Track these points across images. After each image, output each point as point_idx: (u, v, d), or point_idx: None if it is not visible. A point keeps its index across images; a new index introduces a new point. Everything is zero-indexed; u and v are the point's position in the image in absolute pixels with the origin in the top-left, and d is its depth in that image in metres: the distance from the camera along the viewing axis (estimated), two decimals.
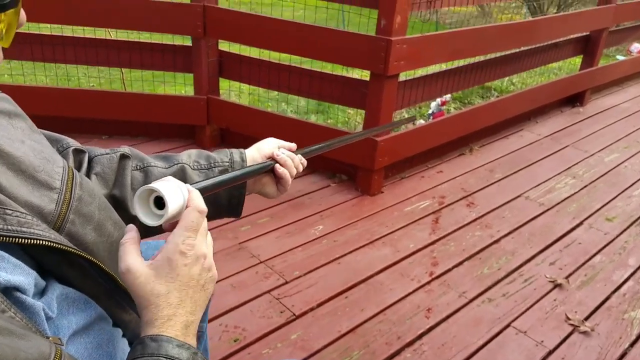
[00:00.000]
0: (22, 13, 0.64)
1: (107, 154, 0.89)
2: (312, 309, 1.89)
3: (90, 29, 2.97)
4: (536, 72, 5.47)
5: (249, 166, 0.93)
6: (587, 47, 4.02)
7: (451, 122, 3.08)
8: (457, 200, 2.71)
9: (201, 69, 2.77)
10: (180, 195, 0.66)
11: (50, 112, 2.80)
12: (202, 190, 0.71)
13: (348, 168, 2.75)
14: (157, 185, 0.65)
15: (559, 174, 3.07)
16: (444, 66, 3.04)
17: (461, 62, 3.06)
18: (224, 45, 2.87)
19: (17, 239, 0.55)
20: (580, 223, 2.57)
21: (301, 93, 2.76)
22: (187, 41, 2.84)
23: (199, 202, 0.67)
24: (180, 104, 2.91)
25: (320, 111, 4.00)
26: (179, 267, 0.62)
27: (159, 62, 2.85)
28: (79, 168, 0.86)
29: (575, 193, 2.86)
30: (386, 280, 2.08)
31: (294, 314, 1.85)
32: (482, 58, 3.20)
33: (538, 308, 1.97)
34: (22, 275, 0.55)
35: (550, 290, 2.07)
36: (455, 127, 3.08)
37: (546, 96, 3.78)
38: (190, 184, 0.71)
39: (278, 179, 0.96)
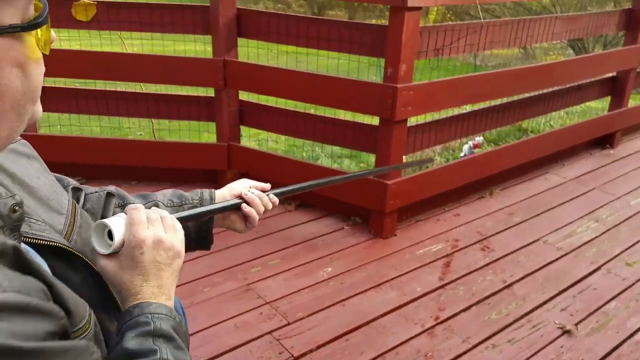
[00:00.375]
0: (52, 31, 0.77)
1: (96, 192, 1.03)
2: (311, 351, 1.92)
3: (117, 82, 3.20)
4: (577, 112, 5.36)
5: (216, 203, 1.03)
6: (615, 88, 3.96)
7: (468, 164, 3.09)
8: (472, 244, 2.69)
9: (223, 117, 2.94)
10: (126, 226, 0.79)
11: (86, 160, 3.02)
12: None
13: (362, 211, 2.80)
14: (106, 220, 0.79)
15: (581, 217, 3.00)
16: (476, 107, 3.06)
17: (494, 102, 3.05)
18: (245, 95, 3.03)
19: (39, 241, 0.70)
20: (598, 268, 2.49)
21: (316, 138, 2.87)
22: (210, 92, 3.03)
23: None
24: (203, 150, 3.08)
25: (354, 155, 4.06)
26: (136, 258, 0.76)
27: (185, 112, 3.04)
28: (77, 203, 1.00)
29: (596, 237, 2.78)
30: (389, 323, 2.08)
31: (292, 355, 1.88)
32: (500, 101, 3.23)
33: (543, 355, 1.92)
34: (45, 266, 0.69)
35: (558, 337, 2.02)
36: (473, 170, 3.07)
37: (573, 138, 3.72)
38: None
39: (245, 217, 1.05)
